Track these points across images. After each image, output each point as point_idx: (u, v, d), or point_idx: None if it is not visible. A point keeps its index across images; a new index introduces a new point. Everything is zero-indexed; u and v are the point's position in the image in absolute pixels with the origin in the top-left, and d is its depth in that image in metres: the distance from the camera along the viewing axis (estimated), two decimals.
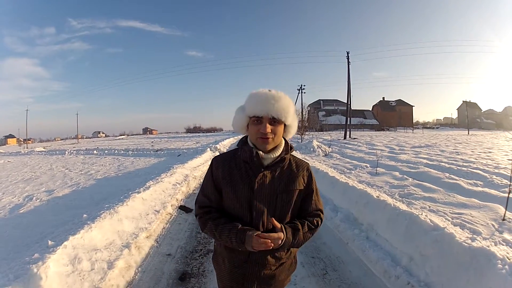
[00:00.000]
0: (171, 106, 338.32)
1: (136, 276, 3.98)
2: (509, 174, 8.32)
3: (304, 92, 57.60)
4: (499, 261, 3.03)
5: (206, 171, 1.89)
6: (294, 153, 1.92)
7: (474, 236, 3.78)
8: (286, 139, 1.83)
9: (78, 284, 3.38)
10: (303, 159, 1.97)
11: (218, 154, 1.94)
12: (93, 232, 4.44)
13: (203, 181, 1.88)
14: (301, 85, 52.32)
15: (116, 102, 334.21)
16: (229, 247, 1.75)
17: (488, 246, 3.30)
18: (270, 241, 1.57)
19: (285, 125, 1.74)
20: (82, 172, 13.79)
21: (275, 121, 1.66)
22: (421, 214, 4.42)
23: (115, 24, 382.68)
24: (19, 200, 8.57)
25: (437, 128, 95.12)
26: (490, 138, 30.69)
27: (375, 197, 5.55)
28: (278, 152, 1.75)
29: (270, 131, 1.65)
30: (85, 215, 5.49)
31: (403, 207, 5.00)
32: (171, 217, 6.48)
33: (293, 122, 1.76)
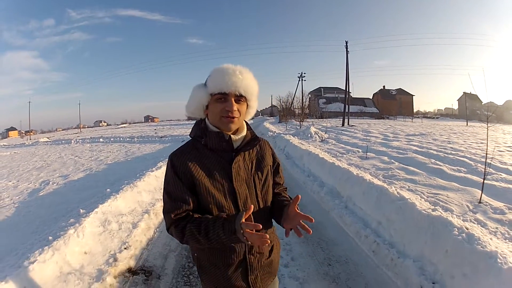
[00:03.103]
0: (172, 93, 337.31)
1: (155, 235, 4.86)
2: (495, 164, 8.80)
3: (305, 80, 57.86)
4: (456, 229, 3.42)
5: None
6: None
7: (436, 208, 4.30)
8: (245, 120, 1.72)
9: (109, 240, 4.23)
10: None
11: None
12: (118, 201, 5.35)
13: (166, 187, 1.59)
14: (302, 73, 53.00)
15: (117, 91, 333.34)
16: (219, 249, 1.58)
17: (447, 216, 3.78)
18: (260, 225, 1.32)
19: (247, 105, 1.63)
20: (92, 159, 14.44)
21: (240, 100, 1.55)
22: (390, 188, 5.16)
23: (115, 14, 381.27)
24: (35, 186, 9.17)
25: (437, 118, 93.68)
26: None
27: (355, 174, 6.33)
28: (243, 133, 1.65)
29: (236, 109, 1.52)
30: (108, 189, 6.29)
31: (377, 181, 5.75)
32: None
33: (254, 103, 1.67)
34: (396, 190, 5.05)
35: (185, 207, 1.53)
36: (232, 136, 1.58)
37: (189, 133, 1.69)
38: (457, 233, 3.36)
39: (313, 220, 1.43)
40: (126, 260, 3.87)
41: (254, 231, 1.32)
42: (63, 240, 3.75)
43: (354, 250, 4.29)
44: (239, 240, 1.37)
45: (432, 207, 4.38)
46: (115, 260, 3.77)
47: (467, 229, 3.42)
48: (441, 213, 3.96)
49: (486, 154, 6.23)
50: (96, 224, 4.46)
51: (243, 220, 1.35)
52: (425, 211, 4.04)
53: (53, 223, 5.19)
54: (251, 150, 1.68)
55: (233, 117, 1.53)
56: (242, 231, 1.34)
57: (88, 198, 6.63)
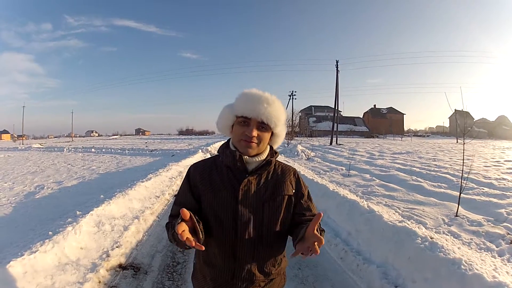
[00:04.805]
0: (164, 107, 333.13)
1: (144, 238, 5.27)
2: (478, 178, 9.39)
3: (295, 98, 58.61)
4: (419, 238, 3.75)
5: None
6: (278, 157, 1.75)
7: (404, 220, 4.70)
8: (272, 146, 1.71)
9: (103, 239, 4.67)
10: (289, 164, 1.88)
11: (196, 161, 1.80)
12: (111, 206, 5.82)
13: (178, 190, 1.71)
14: (292, 91, 53.73)
15: (109, 101, 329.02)
16: (211, 263, 1.62)
17: (413, 228, 4.18)
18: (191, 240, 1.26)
19: (272, 133, 1.62)
20: (84, 168, 14.64)
21: (263, 127, 1.55)
22: (362, 201, 5.63)
23: (111, 23, 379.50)
24: (30, 189, 9.32)
25: (428, 136, 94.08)
26: (477, 147, 30.10)
27: (331, 189, 6.83)
28: (263, 157, 1.62)
29: (256, 135, 1.52)
30: (102, 196, 6.74)
31: (350, 196, 6.22)
32: (168, 201, 7.81)
33: (281, 131, 1.66)
34: (366, 203, 5.51)
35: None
36: (246, 157, 1.58)
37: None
38: (420, 241, 3.69)
39: (323, 242, 1.32)
40: (118, 257, 4.28)
41: (185, 237, 1.23)
42: (62, 235, 4.18)
43: (323, 257, 4.61)
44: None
45: (400, 218, 4.79)
46: (108, 256, 4.17)
47: (431, 238, 3.74)
48: (407, 224, 4.36)
49: (463, 168, 6.57)
50: (91, 224, 4.92)
51: (178, 226, 1.23)
52: (391, 222, 4.45)
53: (50, 222, 5.46)
54: (269, 176, 1.65)
55: (251, 142, 1.53)
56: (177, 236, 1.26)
57: (82, 202, 6.95)
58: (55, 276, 3.45)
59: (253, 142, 1.53)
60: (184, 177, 1.71)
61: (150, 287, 3.73)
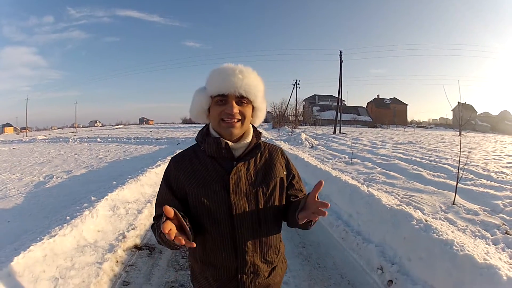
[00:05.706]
0: (167, 96, 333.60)
1: None
2: (477, 170, 9.53)
3: (299, 87, 58.63)
4: (415, 220, 3.93)
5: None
6: (282, 144, 1.58)
7: (401, 204, 4.87)
8: (254, 125, 1.59)
9: (118, 222, 4.96)
10: (276, 144, 1.76)
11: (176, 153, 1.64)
12: (125, 191, 6.09)
13: (159, 190, 1.56)
14: (296, 80, 53.97)
15: (112, 91, 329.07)
16: (211, 263, 1.51)
17: (409, 211, 4.37)
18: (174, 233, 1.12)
19: (253, 107, 1.49)
20: (92, 157, 14.96)
21: (242, 101, 1.42)
22: (362, 186, 5.87)
23: (114, 14, 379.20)
24: (39, 179, 9.60)
25: (431, 127, 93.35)
26: (479, 140, 29.58)
27: (333, 175, 7.06)
28: (248, 139, 1.50)
29: (237, 111, 1.40)
30: (114, 182, 7.02)
31: (351, 181, 6.47)
32: None
33: (261, 104, 1.52)
34: (367, 188, 5.73)
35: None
36: (231, 143, 1.45)
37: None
38: (415, 223, 3.88)
39: (329, 205, 1.22)
40: (133, 238, 4.57)
41: (173, 236, 1.11)
42: (80, 219, 4.44)
43: (326, 237, 4.93)
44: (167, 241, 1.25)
45: (397, 202, 4.99)
46: (124, 237, 4.45)
47: (426, 220, 3.91)
48: (404, 207, 4.56)
49: (459, 157, 6.68)
50: (106, 208, 5.19)
51: (164, 225, 1.10)
52: (389, 205, 4.67)
53: (63, 210, 5.69)
54: (257, 160, 1.55)
55: (233, 120, 1.41)
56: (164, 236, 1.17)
57: (94, 189, 7.19)
58: (75, 257, 3.68)
59: (235, 120, 1.41)
60: (164, 173, 1.57)
61: (165, 265, 3.99)
